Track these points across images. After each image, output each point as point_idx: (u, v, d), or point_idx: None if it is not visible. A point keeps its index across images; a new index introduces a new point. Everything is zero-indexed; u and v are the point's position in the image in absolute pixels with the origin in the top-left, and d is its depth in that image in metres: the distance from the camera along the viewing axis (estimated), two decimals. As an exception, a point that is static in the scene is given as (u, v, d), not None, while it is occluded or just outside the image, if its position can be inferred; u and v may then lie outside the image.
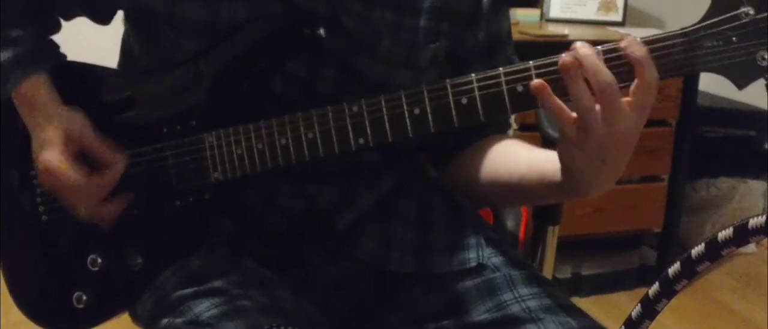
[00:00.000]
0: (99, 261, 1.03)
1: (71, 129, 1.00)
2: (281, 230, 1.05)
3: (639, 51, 0.82)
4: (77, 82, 1.05)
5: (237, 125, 0.97)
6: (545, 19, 2.77)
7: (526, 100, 0.87)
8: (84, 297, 1.04)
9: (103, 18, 1.11)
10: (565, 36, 2.49)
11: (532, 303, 1.00)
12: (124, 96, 1.04)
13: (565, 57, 0.83)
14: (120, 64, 1.15)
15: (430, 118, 0.91)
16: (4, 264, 1.11)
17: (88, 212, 1.01)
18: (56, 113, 1.01)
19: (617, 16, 2.84)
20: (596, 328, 0.99)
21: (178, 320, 0.96)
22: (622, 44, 0.83)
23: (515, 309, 1.00)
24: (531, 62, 0.87)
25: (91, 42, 1.22)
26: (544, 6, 2.77)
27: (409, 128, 0.92)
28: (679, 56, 0.84)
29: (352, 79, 1.01)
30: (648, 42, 0.84)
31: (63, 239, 1.06)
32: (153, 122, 1.01)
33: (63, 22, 1.11)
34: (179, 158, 1.00)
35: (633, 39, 0.83)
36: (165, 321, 0.98)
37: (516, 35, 2.44)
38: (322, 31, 0.97)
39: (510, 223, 1.35)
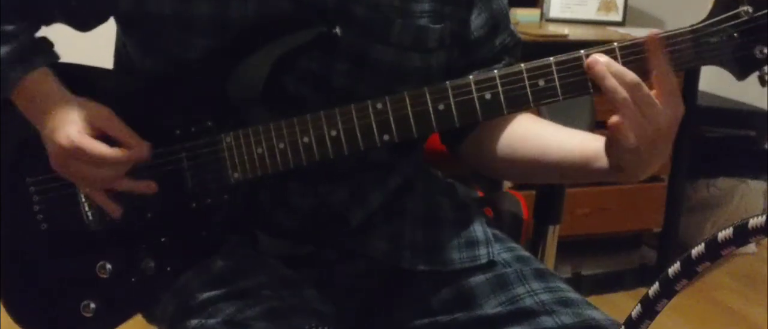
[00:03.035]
0: (108, 267, 1.02)
1: (98, 113, 0.97)
2: (296, 230, 1.06)
3: (654, 44, 0.89)
4: (81, 84, 1.03)
5: (253, 124, 0.97)
6: (545, 19, 2.77)
7: (548, 94, 0.92)
8: (92, 306, 1.02)
9: (84, 25, 1.08)
10: (565, 36, 2.49)
11: (545, 297, 1.01)
12: (132, 98, 1.03)
13: (591, 57, 0.90)
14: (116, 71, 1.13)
15: (454, 113, 0.94)
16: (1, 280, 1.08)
17: (105, 183, 0.98)
18: (74, 99, 0.98)
19: (617, 16, 2.83)
20: (608, 321, 1.00)
21: (211, 321, 0.95)
22: (640, 40, 0.89)
23: (528, 302, 1.01)
24: (551, 58, 0.91)
25: (80, 49, 1.20)
26: (544, 6, 2.77)
27: (434, 123, 0.94)
28: (688, 51, 0.90)
29: (365, 69, 1.02)
30: (662, 39, 0.89)
31: (67, 247, 1.04)
32: (164, 124, 1.00)
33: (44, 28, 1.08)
34: (195, 159, 0.99)
35: (649, 37, 0.89)
36: (195, 322, 0.96)
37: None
38: (338, 30, 0.98)
39: (510, 220, 1.36)
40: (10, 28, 1.01)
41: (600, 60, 0.89)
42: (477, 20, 1.09)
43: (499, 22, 1.12)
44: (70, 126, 0.96)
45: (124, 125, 0.98)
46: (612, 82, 0.89)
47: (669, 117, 0.91)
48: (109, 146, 0.96)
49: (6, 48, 0.99)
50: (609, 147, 0.94)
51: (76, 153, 0.96)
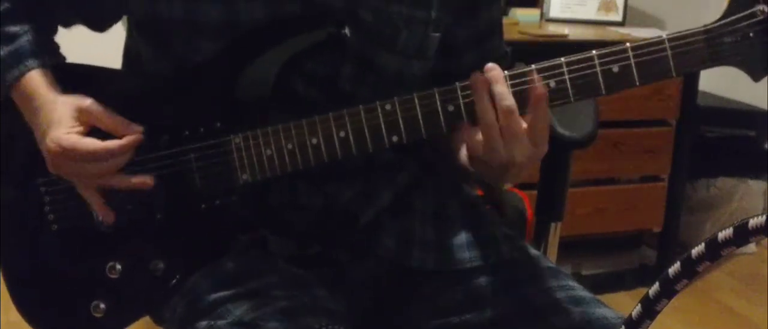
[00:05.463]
0: (118, 267, 1.02)
1: (81, 103, 0.97)
2: (306, 230, 1.06)
3: (542, 89, 0.90)
4: (89, 84, 1.03)
5: (262, 126, 0.97)
6: (545, 19, 2.77)
7: (559, 95, 0.92)
8: (102, 306, 1.02)
9: (100, 27, 1.10)
10: (565, 36, 2.49)
11: (557, 295, 1.02)
12: (141, 99, 1.04)
13: (476, 75, 0.91)
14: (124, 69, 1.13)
15: (464, 114, 0.93)
16: (10, 280, 1.08)
17: (103, 182, 0.99)
18: (60, 97, 0.98)
19: (617, 16, 2.84)
20: (618, 319, 1.00)
21: (221, 322, 0.95)
22: (529, 78, 0.90)
23: (539, 301, 1.01)
24: (562, 59, 0.91)
25: (89, 48, 1.20)
26: (544, 6, 2.77)
27: (443, 124, 0.94)
28: (702, 51, 0.89)
29: (370, 74, 1.02)
30: (674, 39, 0.89)
31: (78, 247, 1.04)
32: (173, 125, 1.00)
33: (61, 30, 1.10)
34: (204, 160, 0.99)
35: (538, 77, 0.91)
36: (204, 323, 0.96)
37: (516, 35, 2.44)
38: (347, 31, 0.98)
39: (514, 218, 1.36)
40: (14, 29, 1.02)
41: (485, 77, 0.90)
42: (467, 30, 1.09)
43: (488, 35, 1.12)
44: (56, 128, 0.96)
45: (111, 114, 0.98)
46: (485, 104, 0.90)
47: (528, 155, 0.91)
48: (101, 138, 0.97)
49: (6, 49, 1.00)
50: (470, 160, 0.97)
51: (67, 153, 0.96)
